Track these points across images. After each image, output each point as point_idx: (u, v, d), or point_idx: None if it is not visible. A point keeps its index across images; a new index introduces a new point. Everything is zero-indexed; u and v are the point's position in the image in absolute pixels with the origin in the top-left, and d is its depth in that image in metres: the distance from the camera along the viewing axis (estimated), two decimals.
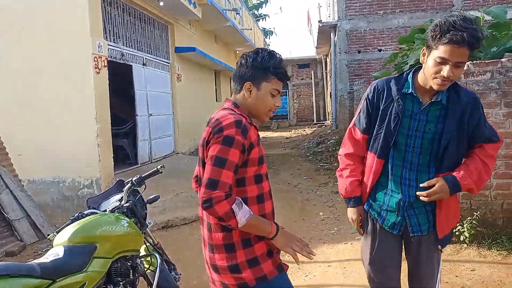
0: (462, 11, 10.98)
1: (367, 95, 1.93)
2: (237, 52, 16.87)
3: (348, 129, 2.07)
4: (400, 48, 11.06)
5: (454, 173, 1.77)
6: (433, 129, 1.78)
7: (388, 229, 1.95)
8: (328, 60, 19.24)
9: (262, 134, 19.38)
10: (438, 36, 1.60)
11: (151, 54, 8.17)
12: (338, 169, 2.10)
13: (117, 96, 8.09)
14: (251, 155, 1.58)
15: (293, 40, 79.61)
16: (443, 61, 1.62)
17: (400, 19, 12.35)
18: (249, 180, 1.60)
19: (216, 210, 1.48)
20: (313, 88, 23.41)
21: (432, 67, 1.66)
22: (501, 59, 3.84)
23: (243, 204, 1.53)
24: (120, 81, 7.70)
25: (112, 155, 6.10)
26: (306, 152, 11.52)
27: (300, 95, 24.08)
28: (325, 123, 19.40)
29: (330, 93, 16.52)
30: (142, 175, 2.71)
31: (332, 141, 12.01)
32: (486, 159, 1.82)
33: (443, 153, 1.78)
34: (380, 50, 12.58)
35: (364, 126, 1.93)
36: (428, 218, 1.88)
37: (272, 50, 1.70)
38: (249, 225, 1.52)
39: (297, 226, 5.11)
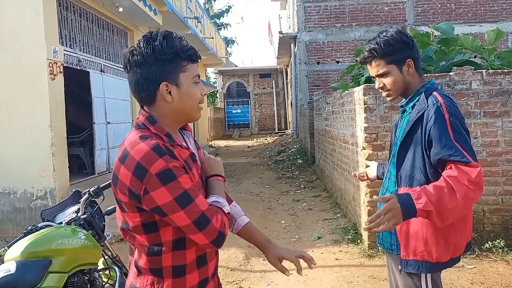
0: (413, 26, 11.60)
1: None
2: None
3: None
4: (356, 60, 11.55)
5: (410, 191, 1.52)
6: (401, 135, 1.73)
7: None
8: (288, 70, 19.61)
9: (224, 143, 19.35)
10: None
11: (110, 61, 7.97)
12: None
13: (74, 103, 7.81)
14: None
15: (254, 50, 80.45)
16: (374, 77, 1.79)
17: (357, 32, 12.84)
18: (163, 224, 1.21)
19: (226, 233, 1.23)
20: (274, 97, 23.74)
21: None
22: (449, 73, 4.10)
23: (218, 198, 1.30)
24: (77, 88, 7.44)
25: (68, 165, 5.85)
26: (268, 160, 11.63)
27: (261, 104, 24.32)
28: (286, 132, 19.69)
29: (291, 102, 16.81)
30: (100, 186, 2.63)
31: (293, 149, 12.21)
32: (450, 179, 1.47)
33: (396, 161, 1.72)
34: (338, 62, 13.00)
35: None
36: (392, 240, 1.76)
37: (164, 31, 1.27)
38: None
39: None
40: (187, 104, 1.28)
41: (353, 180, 4.80)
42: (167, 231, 1.22)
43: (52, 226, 2.44)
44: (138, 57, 1.23)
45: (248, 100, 24.33)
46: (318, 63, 13.11)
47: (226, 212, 1.27)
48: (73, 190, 2.83)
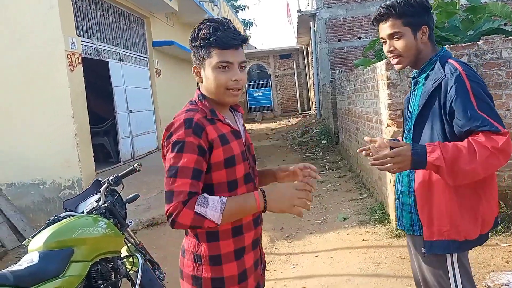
0: None
1: None
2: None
3: None
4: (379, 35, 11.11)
5: (427, 144, 1.46)
6: (416, 108, 1.62)
7: None
8: (309, 49, 19.22)
9: (247, 126, 19.10)
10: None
11: (128, 49, 7.99)
12: None
13: (95, 93, 7.91)
14: (213, 159, 1.34)
15: (273, 31, 79.36)
16: (383, 40, 1.66)
17: (378, 5, 12.30)
18: (219, 188, 1.37)
19: (181, 222, 1.27)
20: (296, 78, 23.39)
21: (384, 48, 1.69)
22: (477, 42, 3.85)
23: (208, 197, 1.30)
24: (98, 78, 7.51)
25: (93, 154, 5.95)
26: (291, 142, 11.52)
27: (283, 86, 24.04)
28: (309, 113, 19.44)
29: (313, 82, 16.52)
30: (119, 174, 2.63)
31: (317, 130, 12.03)
32: (474, 142, 1.41)
33: (413, 137, 1.60)
34: (360, 38, 12.60)
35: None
36: (413, 221, 1.63)
37: (205, 20, 1.43)
38: (228, 215, 1.29)
39: (284, 217, 5.08)
40: (211, 87, 1.41)
41: None
42: None
43: (74, 216, 2.45)
44: (189, 42, 1.45)
45: (269, 83, 24.09)
46: (339, 40, 12.75)
47: (204, 213, 1.27)
48: (94, 180, 2.84)
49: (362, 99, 5.40)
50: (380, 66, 4.07)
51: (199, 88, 1.50)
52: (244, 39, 1.40)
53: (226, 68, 1.37)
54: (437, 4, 5.01)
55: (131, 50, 8.12)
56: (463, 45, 3.87)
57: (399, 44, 1.59)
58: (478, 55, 3.74)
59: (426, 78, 1.60)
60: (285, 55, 23.76)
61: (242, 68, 1.41)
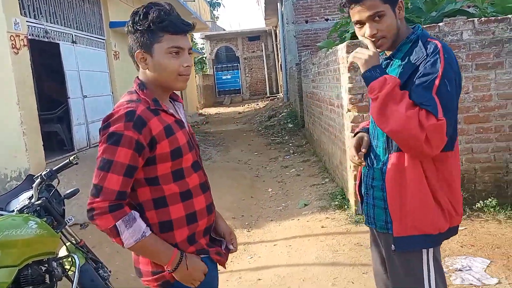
0: None
1: None
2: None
3: None
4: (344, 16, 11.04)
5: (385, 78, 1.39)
6: None
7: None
8: (277, 31, 18.96)
9: (215, 110, 19.03)
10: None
11: (82, 31, 7.51)
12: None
13: (50, 78, 7.43)
14: (158, 151, 1.31)
15: (242, 12, 78.24)
16: (361, 24, 1.48)
17: None
18: (165, 178, 1.35)
19: (97, 223, 1.26)
20: (265, 60, 23.16)
21: (359, 33, 1.52)
22: (439, 24, 3.79)
23: (137, 220, 1.28)
24: (50, 61, 7.05)
25: (42, 143, 5.58)
26: (258, 126, 11.40)
27: (252, 69, 23.78)
28: (278, 96, 19.34)
29: (281, 65, 16.36)
30: (53, 168, 2.40)
31: (284, 114, 11.95)
32: (412, 107, 1.35)
33: None
34: (327, 20, 12.46)
35: None
36: (387, 217, 1.50)
37: (149, 3, 1.36)
38: (139, 248, 1.29)
39: (245, 204, 4.97)
40: (161, 74, 1.35)
41: (339, 144, 4.58)
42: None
43: (2, 215, 2.23)
44: (127, 26, 1.37)
45: (238, 65, 23.74)
46: (306, 22, 12.58)
47: (121, 231, 1.26)
48: (27, 175, 2.59)
49: (325, 83, 5.30)
50: (341, 48, 3.95)
51: (137, 77, 1.42)
52: (193, 25, 1.39)
53: (178, 53, 1.34)
54: None
55: (85, 31, 7.64)
56: (425, 26, 3.80)
57: (381, 25, 1.43)
58: (439, 36, 3.68)
59: (403, 59, 1.47)
60: (253, 37, 23.42)
61: (190, 53, 1.40)
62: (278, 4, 13.39)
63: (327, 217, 4.06)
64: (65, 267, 2.44)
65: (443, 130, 1.32)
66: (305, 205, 4.55)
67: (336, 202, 4.30)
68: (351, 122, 3.86)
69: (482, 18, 3.82)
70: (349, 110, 3.92)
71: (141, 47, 1.34)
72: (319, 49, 6.40)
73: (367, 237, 3.38)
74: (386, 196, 1.47)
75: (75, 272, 2.39)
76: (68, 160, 2.43)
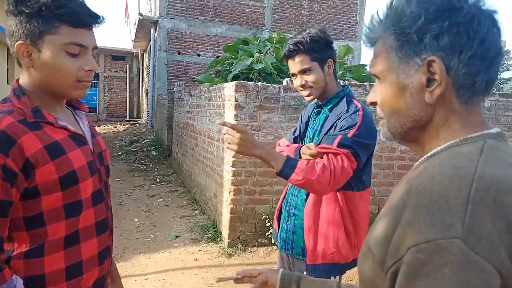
0: (269, 31, 12.28)
1: None
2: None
3: None
4: (217, 57, 11.60)
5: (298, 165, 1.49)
6: (317, 135, 1.71)
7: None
8: (145, 55, 18.56)
9: None
10: None
11: None
12: None
13: None
14: (40, 178, 0.98)
15: (108, 29, 74.43)
16: (294, 76, 1.71)
17: (219, 28, 12.93)
18: (52, 214, 1.01)
19: None
20: (128, 83, 22.23)
21: (294, 82, 1.72)
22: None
23: None
24: None
25: None
26: (118, 150, 10.74)
27: (112, 89, 22.49)
28: (139, 121, 18.66)
29: (147, 90, 15.96)
30: None
31: (147, 140, 11.58)
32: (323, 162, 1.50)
33: None
34: (199, 55, 12.87)
35: None
36: (304, 245, 1.65)
37: None
38: None
39: None
40: (52, 76, 1.03)
41: (215, 177, 4.69)
42: None
43: None
44: (8, 3, 0.99)
45: (97, 83, 22.17)
46: (179, 53, 12.73)
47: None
48: None
49: (204, 116, 5.41)
50: (229, 87, 4.14)
51: (17, 80, 1.09)
52: (102, 18, 1.08)
53: (78, 53, 1.03)
54: (279, 37, 5.47)
55: None
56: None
57: (310, 78, 1.64)
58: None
59: (330, 110, 1.69)
60: (118, 56, 22.35)
61: (94, 53, 1.10)
62: (152, 29, 13.25)
63: (199, 250, 4.04)
64: None
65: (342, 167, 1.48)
66: (176, 236, 4.44)
67: (209, 235, 4.33)
68: (232, 157, 4.02)
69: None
70: None
71: (25, 36, 1.00)
72: (198, 82, 6.55)
73: (240, 269, 3.51)
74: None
75: None
76: None
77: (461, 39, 0.64)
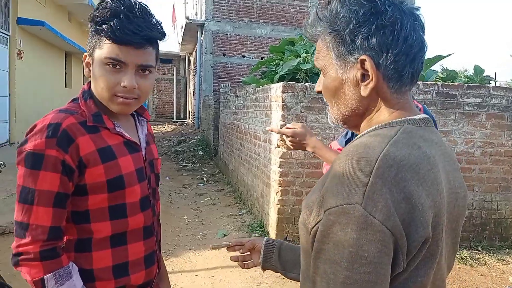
0: None
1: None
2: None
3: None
4: (262, 58, 11.67)
5: None
6: None
7: None
8: (192, 58, 19.07)
9: None
10: None
11: None
12: None
13: None
14: (89, 179, 1.04)
15: None
16: None
17: (263, 29, 13.01)
18: (97, 214, 1.07)
19: (23, 271, 1.00)
20: (175, 84, 22.94)
21: None
22: None
23: (73, 277, 1.03)
24: None
25: None
26: (166, 150, 11.11)
27: (161, 91, 23.32)
28: (186, 122, 19.18)
29: (193, 92, 16.38)
30: None
31: (194, 140, 11.89)
32: None
33: None
34: (244, 56, 13.02)
35: None
36: None
37: (105, 1, 1.07)
38: None
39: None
40: (96, 87, 1.11)
41: (262, 177, 4.74)
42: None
43: None
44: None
45: None
46: (224, 54, 12.96)
47: (45, 286, 1.00)
48: None
49: (251, 117, 5.48)
50: (277, 88, 4.17)
51: (88, 83, 1.17)
52: (150, 38, 1.07)
53: (117, 67, 1.06)
54: None
55: None
56: None
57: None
58: None
59: None
60: (166, 59, 23.14)
61: (144, 72, 1.10)
62: (198, 32, 13.58)
63: None
64: None
65: None
66: (224, 235, 4.54)
67: (256, 234, 4.38)
68: (279, 158, 4.05)
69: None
70: (278, 146, 4.12)
71: (88, 49, 1.11)
72: (243, 83, 6.64)
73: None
74: None
75: None
76: None
77: (387, 39, 0.73)
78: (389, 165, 0.66)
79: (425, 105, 1.62)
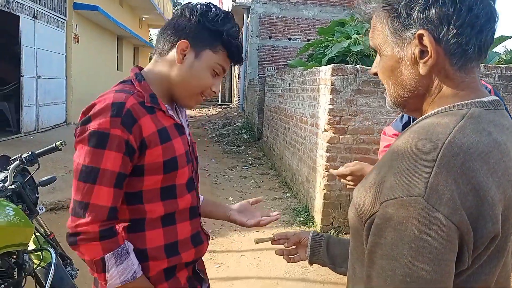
0: None
1: None
2: (143, 19, 15.66)
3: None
4: (308, 40, 11.43)
5: None
6: None
7: None
8: None
9: None
10: None
11: (44, 6, 7.00)
12: None
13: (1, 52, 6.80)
14: (148, 159, 1.05)
15: None
16: None
17: (311, 10, 12.70)
18: (150, 195, 1.09)
19: (81, 251, 1.02)
20: None
21: None
22: None
23: (130, 255, 1.05)
24: (4, 34, 6.46)
25: None
26: (212, 133, 11.29)
27: None
28: (230, 105, 19.36)
29: (238, 75, 16.44)
30: (36, 152, 2.19)
31: (239, 124, 11.98)
32: None
33: None
34: (290, 39, 12.83)
35: None
36: None
37: (230, 12, 1.19)
38: None
39: None
40: (189, 80, 1.13)
41: (307, 161, 4.69)
42: None
43: None
44: (189, 11, 1.13)
45: None
46: (270, 37, 12.83)
47: (108, 266, 1.02)
48: (1, 155, 2.33)
49: (297, 100, 5.41)
50: (325, 70, 4.07)
51: (137, 66, 1.19)
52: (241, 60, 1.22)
53: (216, 75, 1.16)
54: None
55: (47, 8, 7.13)
56: None
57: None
58: None
59: None
60: None
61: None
62: (245, 15, 13.52)
63: None
64: (34, 261, 2.22)
65: None
66: None
67: (301, 218, 4.37)
68: (326, 142, 3.97)
69: None
70: (325, 130, 4.04)
71: (192, 39, 1.10)
72: (290, 66, 6.54)
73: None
74: None
75: (45, 267, 2.18)
76: (54, 145, 2.23)
77: (448, 10, 0.65)
78: (455, 154, 0.61)
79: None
